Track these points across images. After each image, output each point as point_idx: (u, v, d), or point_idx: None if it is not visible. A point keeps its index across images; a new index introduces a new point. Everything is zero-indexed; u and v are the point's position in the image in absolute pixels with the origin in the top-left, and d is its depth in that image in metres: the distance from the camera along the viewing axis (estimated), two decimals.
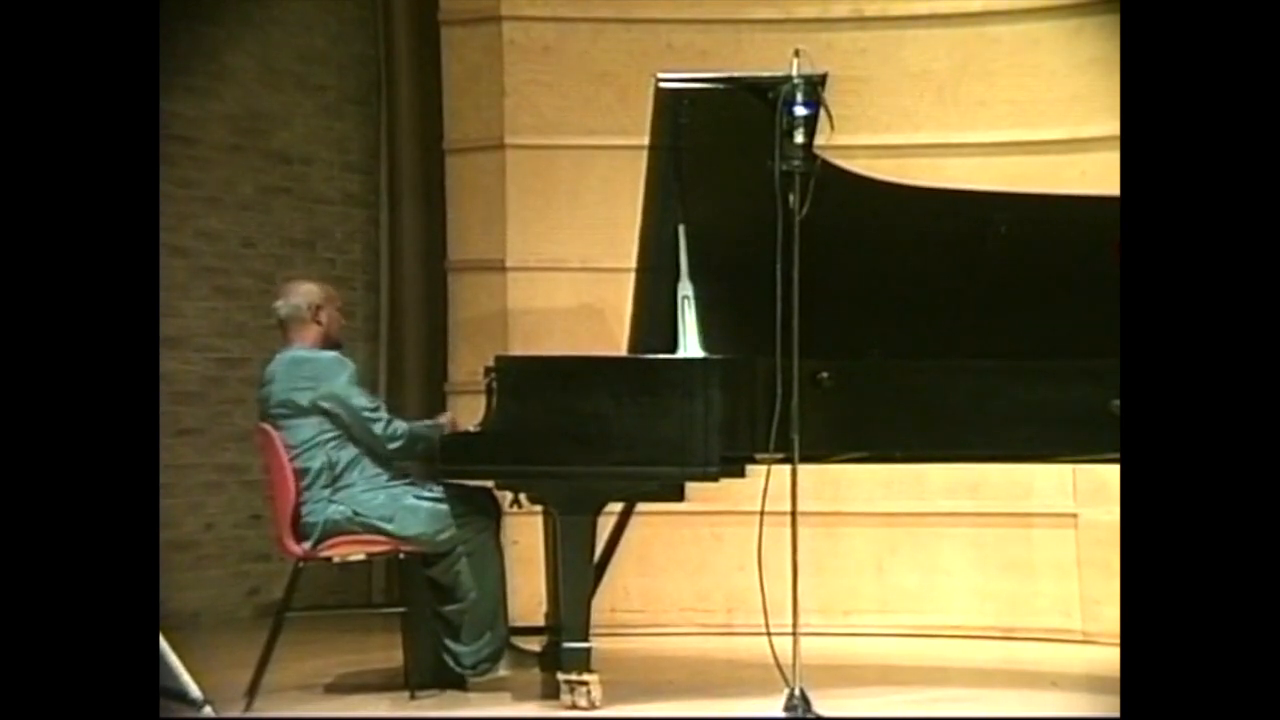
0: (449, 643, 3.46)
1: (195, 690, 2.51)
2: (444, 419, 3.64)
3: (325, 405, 3.44)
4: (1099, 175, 3.97)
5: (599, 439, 3.26)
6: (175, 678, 2.51)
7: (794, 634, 2.97)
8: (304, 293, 3.57)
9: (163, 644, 2.51)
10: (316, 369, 3.47)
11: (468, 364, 4.49)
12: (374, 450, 3.45)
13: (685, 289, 3.41)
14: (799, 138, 3.09)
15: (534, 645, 3.62)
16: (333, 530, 3.43)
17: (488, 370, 3.54)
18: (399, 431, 3.45)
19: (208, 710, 2.51)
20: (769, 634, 3.00)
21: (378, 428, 3.43)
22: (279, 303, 3.58)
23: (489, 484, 3.50)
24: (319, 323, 3.55)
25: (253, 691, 3.29)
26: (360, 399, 3.45)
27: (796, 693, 2.95)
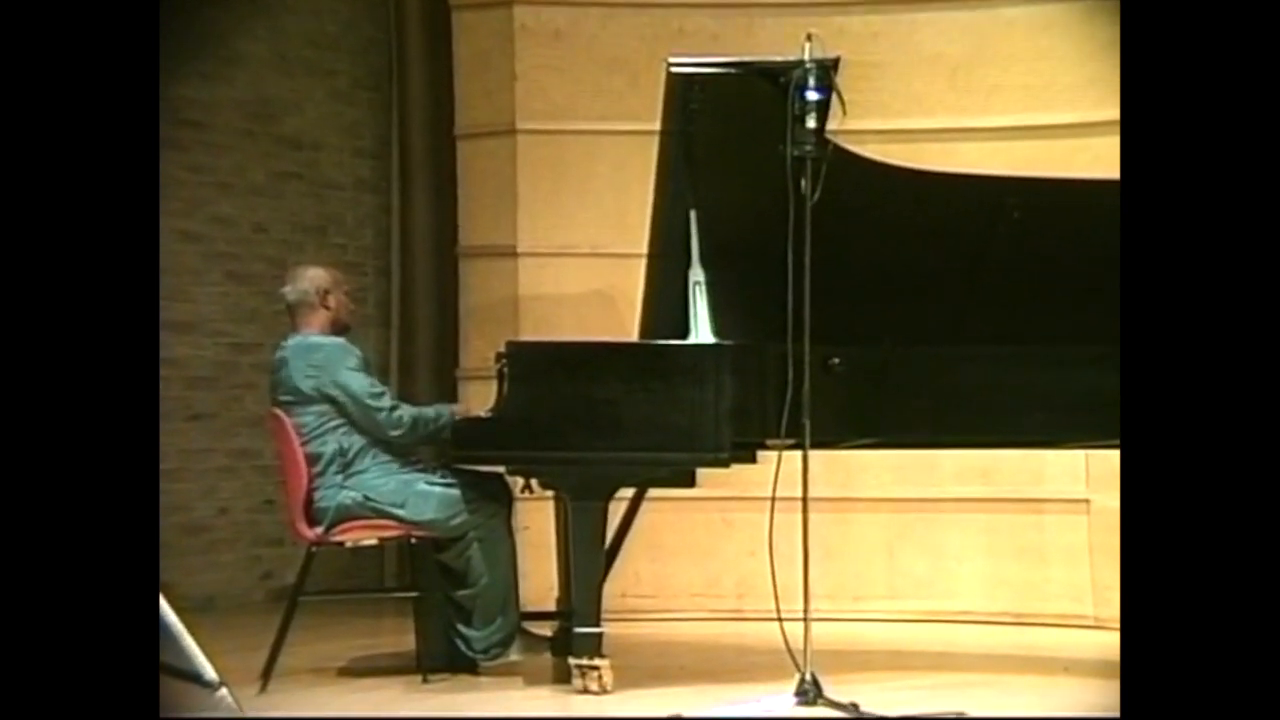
0: (460, 627, 3.47)
1: (210, 672, 2.52)
2: (456, 408, 3.64)
3: (329, 392, 3.44)
4: (1112, 160, 3.90)
5: (610, 425, 3.26)
6: (190, 660, 2.52)
7: (805, 619, 2.97)
8: (311, 278, 3.58)
9: (178, 626, 2.53)
10: (322, 356, 3.48)
11: (479, 350, 4.50)
12: (378, 438, 3.45)
13: (696, 274, 3.41)
14: (811, 123, 3.08)
15: (545, 630, 3.63)
16: (345, 515, 3.44)
17: (499, 356, 3.54)
18: (403, 419, 3.44)
19: (223, 692, 2.52)
20: (780, 619, 3.00)
21: (380, 416, 3.43)
22: (287, 288, 3.59)
23: (500, 469, 3.51)
24: (327, 307, 3.55)
25: (267, 674, 3.32)
26: (363, 386, 3.45)
27: (807, 678, 2.96)
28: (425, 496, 3.46)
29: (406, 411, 3.48)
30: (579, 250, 4.56)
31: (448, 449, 3.45)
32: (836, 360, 3.24)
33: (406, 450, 3.53)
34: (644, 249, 3.60)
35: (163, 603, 2.51)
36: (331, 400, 3.44)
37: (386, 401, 3.47)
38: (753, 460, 3.39)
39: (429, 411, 3.53)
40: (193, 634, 2.55)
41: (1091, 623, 4.26)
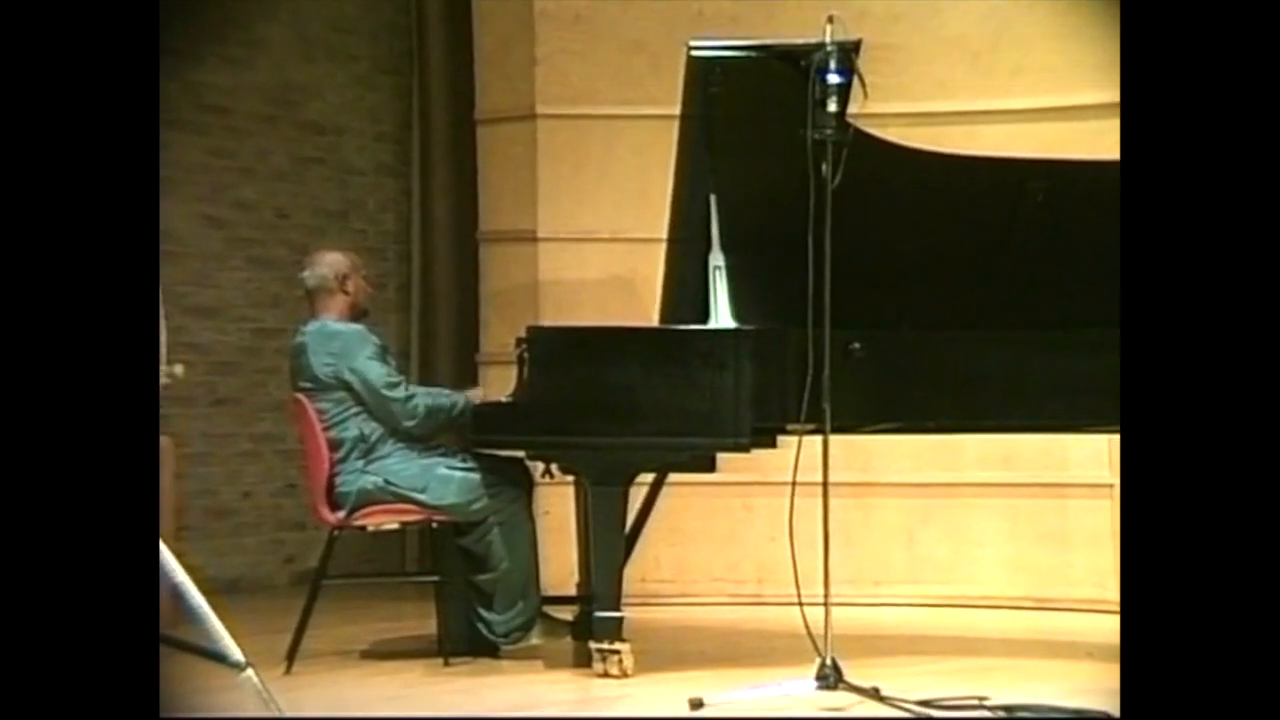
0: (482, 611, 3.49)
1: (237, 654, 2.56)
2: (474, 394, 3.65)
3: (346, 379, 3.46)
4: None
5: (630, 410, 3.26)
6: (217, 641, 2.56)
7: (825, 604, 2.97)
8: (330, 262, 3.59)
9: (205, 608, 2.56)
10: (340, 344, 3.49)
11: (499, 335, 4.51)
12: (393, 427, 3.45)
13: (716, 259, 3.40)
14: (832, 106, 3.06)
15: (566, 614, 3.65)
16: (366, 500, 3.46)
17: (519, 341, 3.55)
18: (419, 408, 3.45)
19: (249, 673, 2.56)
20: (800, 604, 3.00)
21: (396, 405, 3.44)
22: (306, 273, 3.60)
23: (521, 454, 3.52)
24: (346, 292, 3.57)
25: (291, 656, 3.35)
26: (379, 374, 3.46)
27: (828, 662, 2.96)
28: (446, 481, 3.47)
29: (422, 400, 3.48)
30: (599, 235, 4.56)
31: (468, 434, 3.46)
32: (857, 345, 3.22)
33: (427, 436, 3.54)
34: (664, 233, 3.59)
35: (190, 585, 2.54)
36: (348, 388, 3.46)
37: (402, 391, 3.47)
38: (773, 445, 3.38)
39: (445, 401, 3.52)
40: (219, 616, 2.58)
41: (1114, 608, 4.23)
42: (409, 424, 3.45)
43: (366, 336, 3.53)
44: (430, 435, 3.52)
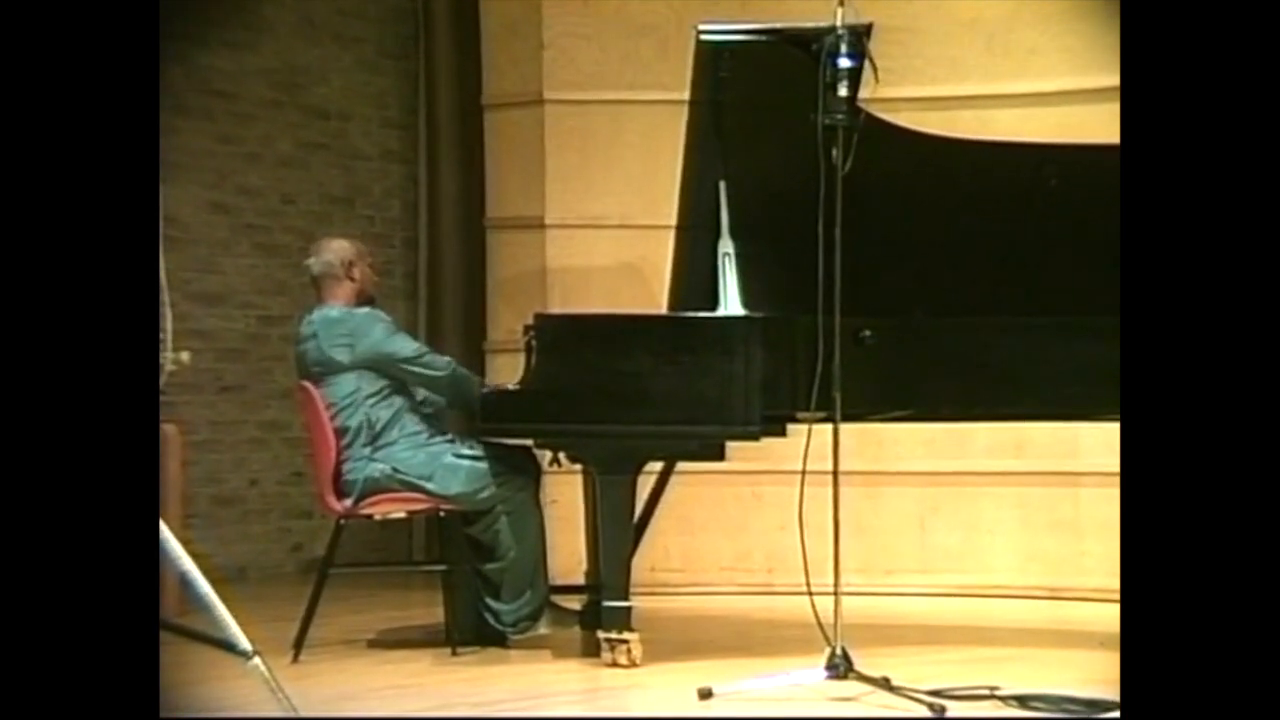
0: (489, 600, 3.48)
1: (244, 642, 2.55)
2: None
3: (366, 360, 3.45)
4: None
5: (638, 398, 3.24)
6: (224, 629, 2.55)
7: (835, 593, 2.95)
8: (336, 249, 3.58)
9: (212, 596, 2.55)
10: (352, 326, 3.49)
11: (506, 322, 4.49)
12: (432, 389, 3.51)
13: (726, 246, 3.37)
14: (843, 91, 3.02)
15: (574, 604, 3.64)
16: (373, 488, 3.45)
17: (526, 328, 3.53)
18: (448, 360, 3.55)
19: (256, 661, 2.55)
20: (810, 593, 2.98)
21: (424, 358, 3.50)
22: (311, 260, 3.60)
23: (528, 443, 3.50)
24: (352, 279, 3.56)
25: (299, 645, 3.35)
26: (403, 345, 3.49)
27: (838, 652, 2.94)
28: (453, 470, 3.46)
29: (447, 357, 3.58)
30: (607, 222, 4.53)
31: (476, 421, 3.45)
32: (868, 332, 3.20)
33: (454, 404, 3.54)
34: (673, 220, 3.56)
35: (197, 573, 2.53)
36: (370, 369, 3.45)
37: (426, 348, 3.56)
38: (783, 433, 3.36)
39: (464, 370, 3.60)
40: (226, 604, 2.57)
41: None
42: (440, 374, 3.50)
43: (376, 315, 3.55)
44: (459, 400, 3.54)
